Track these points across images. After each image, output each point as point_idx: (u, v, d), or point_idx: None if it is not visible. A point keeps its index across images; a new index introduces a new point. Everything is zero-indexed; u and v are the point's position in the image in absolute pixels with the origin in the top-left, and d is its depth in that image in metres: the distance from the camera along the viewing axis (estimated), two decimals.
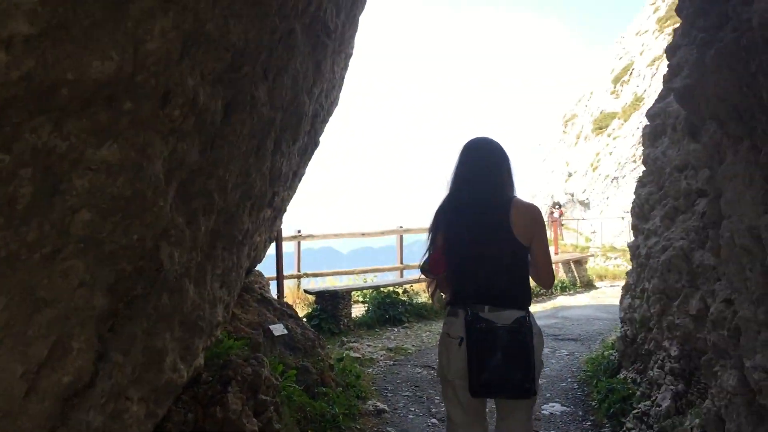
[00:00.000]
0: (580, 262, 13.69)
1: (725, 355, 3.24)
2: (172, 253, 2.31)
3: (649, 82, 33.90)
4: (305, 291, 9.84)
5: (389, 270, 12.61)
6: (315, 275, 11.69)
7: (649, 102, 31.03)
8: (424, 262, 2.94)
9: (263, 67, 2.81)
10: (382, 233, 12.63)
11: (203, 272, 2.86)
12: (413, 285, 10.22)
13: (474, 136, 3.11)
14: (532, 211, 2.95)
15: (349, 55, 5.33)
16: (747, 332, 2.81)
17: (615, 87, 37.71)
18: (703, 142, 3.45)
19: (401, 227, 12.51)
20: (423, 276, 3.02)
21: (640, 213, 5.58)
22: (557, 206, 39.61)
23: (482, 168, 2.96)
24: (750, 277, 2.74)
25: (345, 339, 8.18)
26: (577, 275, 13.31)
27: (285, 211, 5.41)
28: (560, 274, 13.57)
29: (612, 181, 30.55)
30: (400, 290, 10.05)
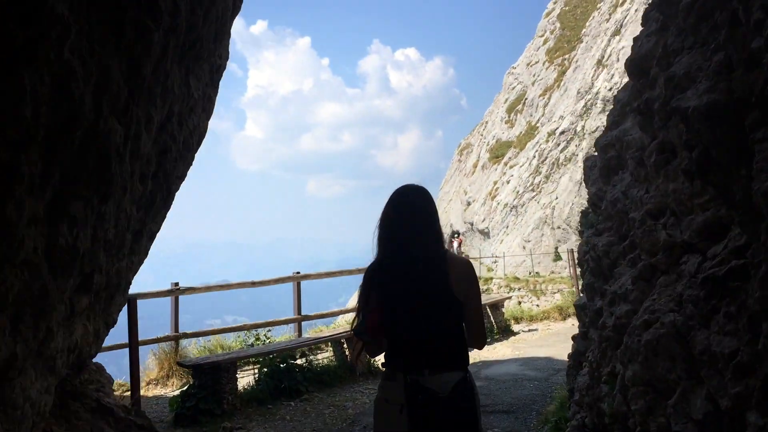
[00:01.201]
0: (497, 306, 12.59)
1: None
2: None
3: (542, 112, 34.40)
4: (179, 364, 8.19)
5: (286, 322, 11.16)
6: (196, 335, 9.99)
7: (544, 130, 31.41)
8: (359, 324, 2.79)
9: None
10: (277, 281, 11.14)
11: None
12: (311, 346, 8.83)
13: (400, 186, 2.97)
14: (467, 267, 2.87)
15: (216, 68, 3.92)
16: None
17: (510, 116, 38.11)
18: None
19: (298, 273, 11.16)
20: (356, 337, 2.85)
21: (597, 269, 4.47)
22: (456, 235, 39.42)
23: (412, 223, 2.82)
24: None
25: (228, 424, 6.56)
26: (494, 321, 12.24)
27: (128, 283, 3.90)
28: None
29: (511, 210, 30.40)
30: (297, 353, 8.59)
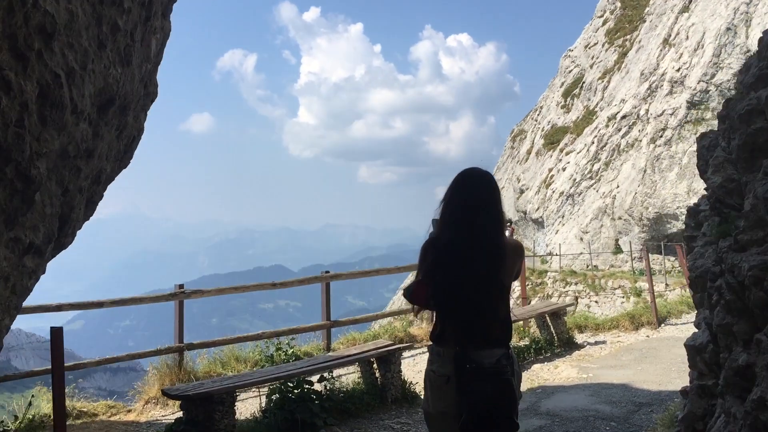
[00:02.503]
0: (557, 315, 10.71)
1: None
2: None
3: (601, 95, 32.64)
4: (163, 393, 6.62)
5: (312, 329, 10.04)
6: (204, 345, 8.98)
7: (603, 115, 29.74)
8: (408, 288, 3.06)
9: None
10: (302, 282, 10.09)
11: None
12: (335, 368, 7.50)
13: (466, 168, 3.12)
14: (519, 252, 3.15)
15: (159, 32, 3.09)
16: None
17: (566, 101, 36.41)
18: None
19: (327, 272, 10.03)
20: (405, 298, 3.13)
21: (738, 304, 2.98)
22: (508, 224, 38.04)
23: (475, 206, 3.00)
24: None
25: None
26: (554, 331, 10.55)
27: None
28: (533, 331, 11.00)
29: (567, 199, 28.88)
30: (314, 378, 6.96)
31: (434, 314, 3.11)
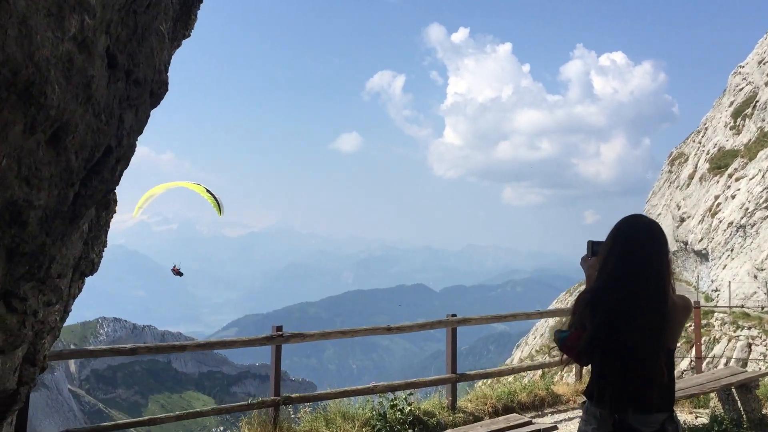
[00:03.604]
0: (746, 388, 8.19)
1: None
2: None
3: None
4: None
5: (435, 383, 8.84)
6: (303, 399, 8.18)
7: None
8: (561, 336, 2.97)
9: None
10: (423, 326, 8.81)
11: None
12: None
13: (630, 216, 3.02)
14: (688, 312, 3.01)
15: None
16: None
17: (736, 121, 33.16)
18: None
19: (453, 315, 8.73)
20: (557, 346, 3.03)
21: None
22: None
23: (641, 262, 2.86)
24: None
25: None
26: (742, 408, 8.08)
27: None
28: (713, 405, 8.69)
29: (738, 230, 26.01)
30: None
31: (586, 369, 3.09)
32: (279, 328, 7.78)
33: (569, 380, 9.25)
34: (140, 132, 3.42)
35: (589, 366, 3.04)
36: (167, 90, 3.60)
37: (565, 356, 3.05)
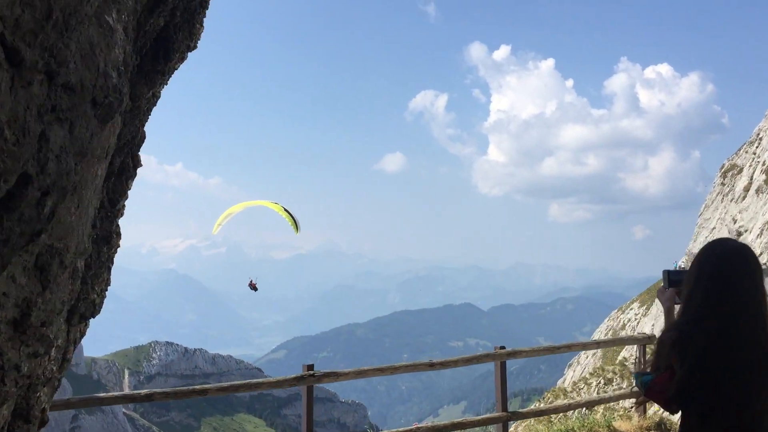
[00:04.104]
0: None
1: None
2: None
3: None
4: None
5: (484, 423, 8.25)
6: None
7: None
8: (647, 376, 2.68)
9: None
10: (468, 361, 8.14)
11: None
12: None
13: (717, 241, 2.76)
14: None
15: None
16: None
17: None
18: None
19: (502, 348, 8.15)
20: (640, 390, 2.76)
21: None
22: None
23: (734, 289, 2.57)
24: None
25: None
26: None
27: None
28: None
29: None
30: None
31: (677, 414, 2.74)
32: (310, 367, 7.16)
33: (633, 419, 8.69)
34: (85, 155, 2.54)
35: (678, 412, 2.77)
36: (122, 100, 2.74)
37: (642, 398, 2.80)
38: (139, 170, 3.71)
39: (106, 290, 3.63)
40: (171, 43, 3.56)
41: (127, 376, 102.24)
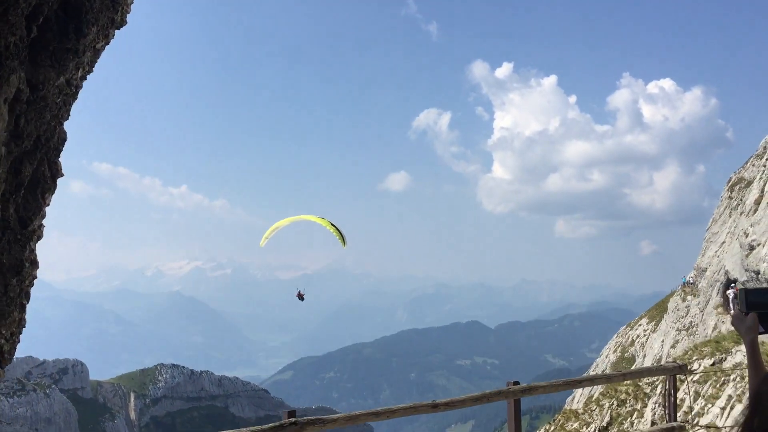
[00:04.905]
0: None
1: None
2: None
3: None
4: None
5: None
6: None
7: None
8: None
9: None
10: (478, 399, 7.60)
11: None
12: None
13: None
14: None
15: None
16: None
17: None
18: None
19: (516, 383, 7.66)
20: None
21: None
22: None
23: None
24: None
25: None
26: None
27: None
28: None
29: None
30: None
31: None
32: (291, 413, 6.54)
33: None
34: None
35: None
36: None
37: None
38: (142, 193, 2.93)
39: (20, 333, 2.89)
40: (83, 13, 2.89)
41: (132, 399, 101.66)
